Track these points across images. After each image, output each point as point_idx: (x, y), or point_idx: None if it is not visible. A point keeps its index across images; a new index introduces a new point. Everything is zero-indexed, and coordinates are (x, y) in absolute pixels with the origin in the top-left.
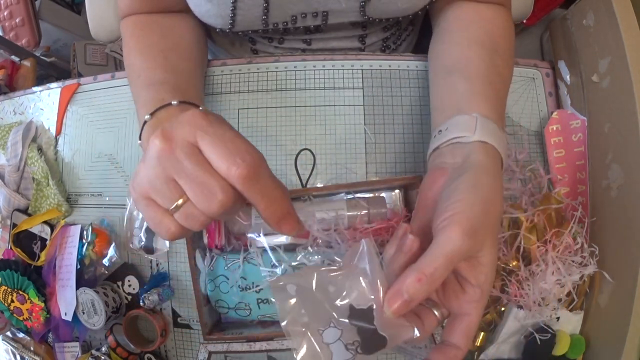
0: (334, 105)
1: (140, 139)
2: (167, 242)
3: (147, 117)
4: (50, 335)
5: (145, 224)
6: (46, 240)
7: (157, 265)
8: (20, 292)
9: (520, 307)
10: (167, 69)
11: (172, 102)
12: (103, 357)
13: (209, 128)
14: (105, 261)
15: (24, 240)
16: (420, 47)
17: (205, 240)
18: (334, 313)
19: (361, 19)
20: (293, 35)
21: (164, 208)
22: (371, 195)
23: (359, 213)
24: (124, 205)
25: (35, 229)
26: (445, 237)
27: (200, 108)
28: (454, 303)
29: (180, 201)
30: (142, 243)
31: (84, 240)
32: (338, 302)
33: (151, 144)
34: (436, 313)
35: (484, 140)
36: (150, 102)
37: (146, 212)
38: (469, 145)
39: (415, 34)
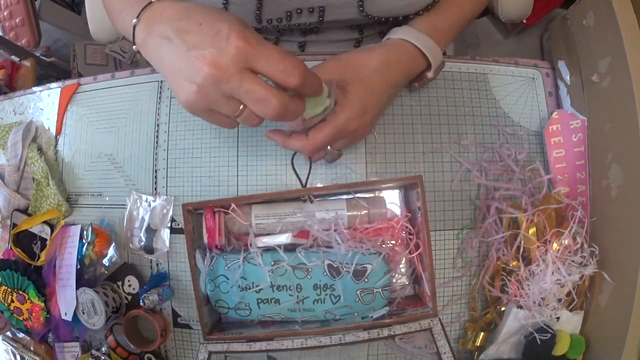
0: None
1: (134, 44)
2: (167, 242)
3: (134, 21)
4: (50, 335)
5: (145, 224)
6: (46, 240)
7: (157, 265)
8: (20, 292)
9: (520, 307)
10: None
11: (152, 0)
12: (103, 357)
13: (256, 51)
14: (105, 261)
15: (24, 240)
16: None
17: (205, 240)
18: None
19: (359, 17)
20: (288, 37)
21: (226, 115)
22: (371, 195)
23: (359, 213)
24: (124, 205)
25: (35, 229)
26: (322, 65)
27: None
28: None
29: (241, 108)
30: (142, 243)
31: (84, 240)
32: None
33: (201, 72)
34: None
35: (403, 38)
36: (132, 10)
37: (210, 119)
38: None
39: None
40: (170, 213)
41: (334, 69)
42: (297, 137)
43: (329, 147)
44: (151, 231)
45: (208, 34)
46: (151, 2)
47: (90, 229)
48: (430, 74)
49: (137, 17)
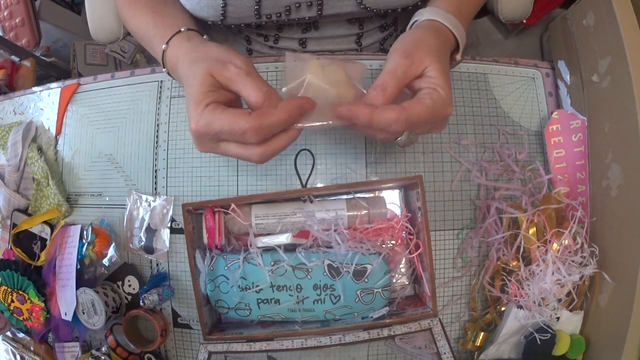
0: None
1: (164, 67)
2: (167, 242)
3: (164, 70)
4: (50, 335)
5: (145, 224)
6: (46, 240)
7: (157, 265)
8: (20, 292)
9: (520, 307)
10: (156, 21)
11: (163, 48)
12: (103, 357)
13: (211, 129)
14: (105, 261)
15: (24, 240)
16: None
17: (205, 240)
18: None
19: (358, 10)
20: (288, 33)
21: (232, 148)
22: (371, 195)
23: (359, 213)
24: (124, 205)
25: (35, 229)
26: (387, 61)
27: (182, 29)
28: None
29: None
30: (142, 243)
31: (84, 240)
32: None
33: (191, 130)
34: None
35: (432, 18)
36: (158, 57)
37: (225, 154)
38: (421, 22)
39: None
40: (170, 213)
41: (401, 62)
42: (391, 108)
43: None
44: (151, 231)
45: (188, 104)
46: (164, 51)
47: (90, 229)
48: (458, 56)
49: (163, 65)
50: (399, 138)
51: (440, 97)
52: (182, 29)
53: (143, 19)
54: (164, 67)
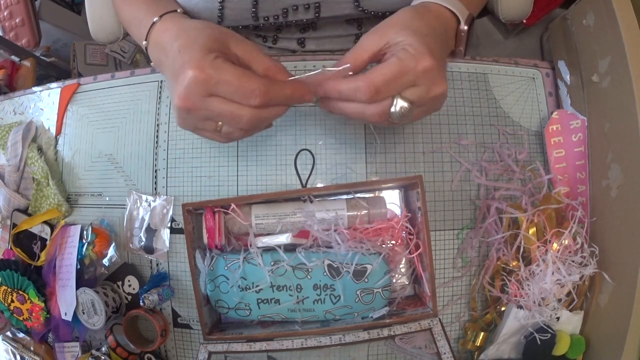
0: None
1: (151, 63)
2: (167, 242)
3: (144, 43)
4: (50, 335)
5: (145, 224)
6: (46, 240)
7: (157, 265)
8: (20, 292)
9: (520, 307)
10: (148, 3)
11: (154, 20)
12: (103, 357)
13: (213, 79)
14: (105, 261)
15: (24, 240)
16: None
17: (205, 240)
18: None
19: (355, 12)
20: (287, 33)
21: (211, 131)
22: (371, 195)
23: (359, 213)
24: (124, 205)
25: (35, 229)
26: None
27: (178, 10)
28: None
29: (219, 125)
30: (142, 243)
31: (84, 240)
32: None
33: (174, 104)
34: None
35: (438, 2)
36: (143, 32)
37: (202, 136)
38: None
39: None
40: (170, 213)
41: (372, 42)
42: (353, 77)
43: (398, 100)
44: (151, 231)
45: (176, 66)
46: (154, 23)
47: (90, 229)
48: (461, 26)
49: (146, 39)
50: (391, 110)
51: (408, 53)
52: (179, 10)
53: (136, 3)
54: (145, 40)
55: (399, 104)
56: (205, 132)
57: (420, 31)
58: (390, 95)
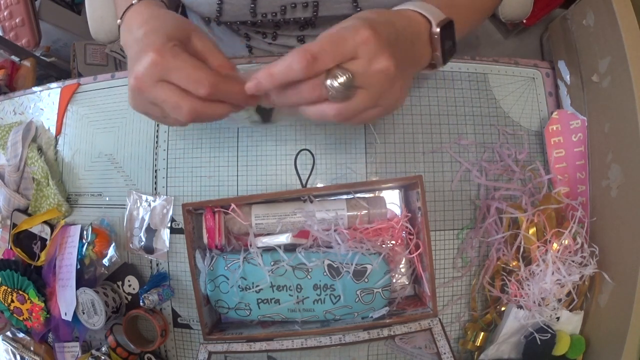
0: None
1: (119, 30)
2: (167, 242)
3: (119, 21)
4: (50, 335)
5: (145, 224)
6: (46, 240)
7: (157, 265)
8: (20, 292)
9: (520, 307)
10: None
11: (133, 2)
12: (103, 357)
13: (169, 64)
14: (105, 261)
15: (24, 240)
16: None
17: (205, 240)
18: None
19: (353, 12)
20: (286, 30)
21: (157, 116)
22: (371, 195)
23: (359, 213)
24: (124, 205)
25: (35, 229)
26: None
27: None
28: None
29: (164, 112)
30: (142, 243)
31: (84, 240)
32: None
33: (130, 83)
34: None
35: (411, 8)
36: (120, 9)
37: (151, 118)
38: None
39: None
40: (170, 213)
41: (325, 42)
42: (284, 58)
43: (336, 71)
44: (151, 231)
45: (142, 50)
46: (132, 4)
47: (90, 229)
48: (433, 29)
49: (121, 18)
50: (327, 82)
51: (347, 26)
52: (134, 1)
53: None
54: (120, 19)
55: (335, 77)
56: (152, 116)
57: (369, 17)
58: (327, 65)
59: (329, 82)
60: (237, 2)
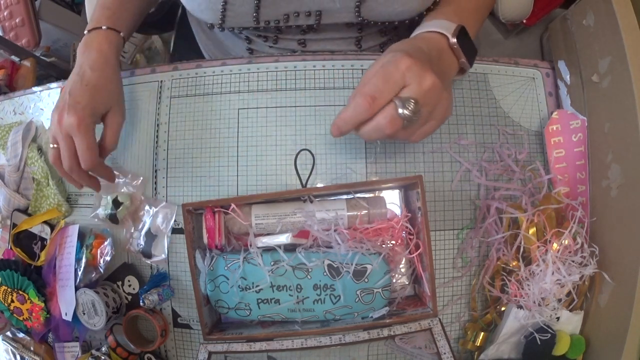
0: (334, 105)
1: (86, 32)
2: (165, 249)
3: (85, 32)
4: (50, 335)
5: (145, 228)
6: (46, 240)
7: (157, 265)
8: (20, 292)
9: (520, 307)
10: (111, 4)
11: (102, 27)
12: (103, 357)
13: (77, 135)
14: (101, 266)
15: (24, 240)
16: None
17: (205, 240)
18: None
19: (355, 21)
20: (288, 34)
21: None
22: (371, 195)
23: (359, 213)
24: None
25: (35, 229)
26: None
27: (121, 34)
28: None
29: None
30: (141, 247)
31: (83, 248)
32: None
33: (54, 112)
34: None
35: (426, 30)
36: (93, 20)
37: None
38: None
39: None
40: (172, 221)
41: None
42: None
43: (398, 101)
44: (151, 236)
45: (72, 106)
46: (101, 28)
47: (93, 237)
48: (451, 40)
49: (89, 30)
50: (398, 112)
51: (387, 60)
52: (122, 34)
53: None
54: (87, 31)
55: (402, 103)
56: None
57: (401, 48)
58: (387, 99)
59: (401, 112)
60: (241, 10)
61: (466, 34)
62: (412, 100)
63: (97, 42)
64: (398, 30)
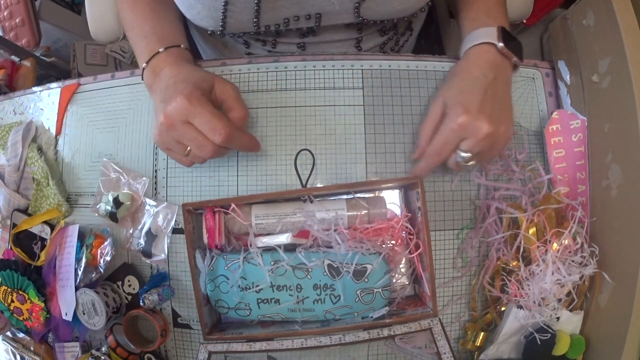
0: (334, 105)
1: (142, 79)
2: (165, 249)
3: (144, 65)
4: (50, 335)
5: (145, 228)
6: (46, 240)
7: (157, 265)
8: (20, 292)
9: (520, 307)
10: (155, 21)
11: (160, 50)
12: (103, 357)
13: (194, 110)
14: (101, 266)
15: (24, 240)
16: (417, 50)
17: (205, 240)
18: None
19: (355, 21)
20: (286, 38)
21: (179, 154)
22: (371, 195)
23: (359, 213)
24: None
25: (35, 229)
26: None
27: (182, 46)
28: None
29: (188, 150)
30: (141, 246)
31: (83, 248)
32: None
33: (158, 120)
34: None
35: (473, 44)
36: (144, 53)
37: (170, 155)
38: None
39: (414, 40)
40: (173, 221)
41: (427, 128)
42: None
43: (458, 153)
44: (151, 235)
45: (172, 94)
46: (159, 52)
47: (93, 237)
48: (498, 45)
49: (147, 62)
50: (457, 160)
51: (447, 117)
52: (182, 45)
53: (141, 12)
54: (146, 63)
55: (462, 156)
56: (174, 152)
57: (454, 95)
58: (450, 152)
59: (459, 160)
60: (241, 17)
61: (507, 32)
62: (468, 155)
63: (162, 62)
64: (397, 28)
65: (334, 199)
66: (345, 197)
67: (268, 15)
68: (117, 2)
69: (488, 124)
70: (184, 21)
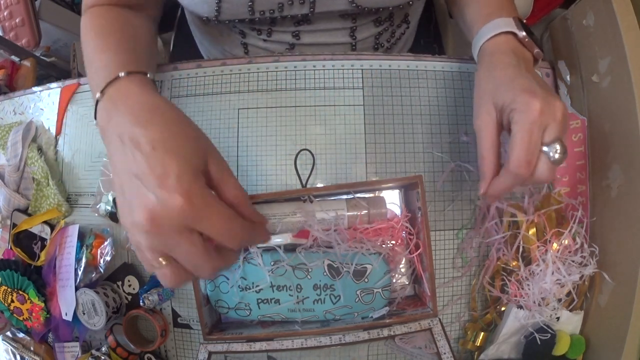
0: (334, 105)
1: (95, 119)
2: None
3: (98, 95)
4: (50, 335)
5: None
6: (46, 240)
7: None
8: (20, 292)
9: (520, 307)
10: (120, 51)
11: (120, 75)
12: (103, 357)
13: (200, 214)
14: (101, 266)
15: (24, 240)
16: (416, 50)
17: None
18: None
19: (350, 8)
20: (281, 27)
21: (150, 263)
22: (371, 195)
23: (359, 213)
24: None
25: (35, 229)
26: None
27: (148, 75)
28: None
29: (165, 263)
30: None
31: (83, 247)
32: None
33: (137, 219)
34: None
35: (493, 34)
36: (101, 83)
37: (139, 256)
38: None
39: (411, 34)
40: None
41: (487, 141)
42: (502, 177)
43: (545, 149)
44: None
45: (156, 170)
46: (118, 77)
47: (93, 237)
48: (519, 35)
49: (102, 92)
50: (550, 159)
51: (517, 113)
52: (149, 75)
53: (107, 42)
54: (100, 93)
55: (552, 150)
56: (146, 260)
57: (506, 82)
58: (537, 153)
59: (552, 159)
60: (236, 1)
61: (521, 21)
62: (558, 145)
63: (124, 89)
64: (393, 19)
65: (334, 199)
66: (345, 197)
67: (262, 0)
68: (81, 37)
69: (558, 100)
70: (155, 58)
